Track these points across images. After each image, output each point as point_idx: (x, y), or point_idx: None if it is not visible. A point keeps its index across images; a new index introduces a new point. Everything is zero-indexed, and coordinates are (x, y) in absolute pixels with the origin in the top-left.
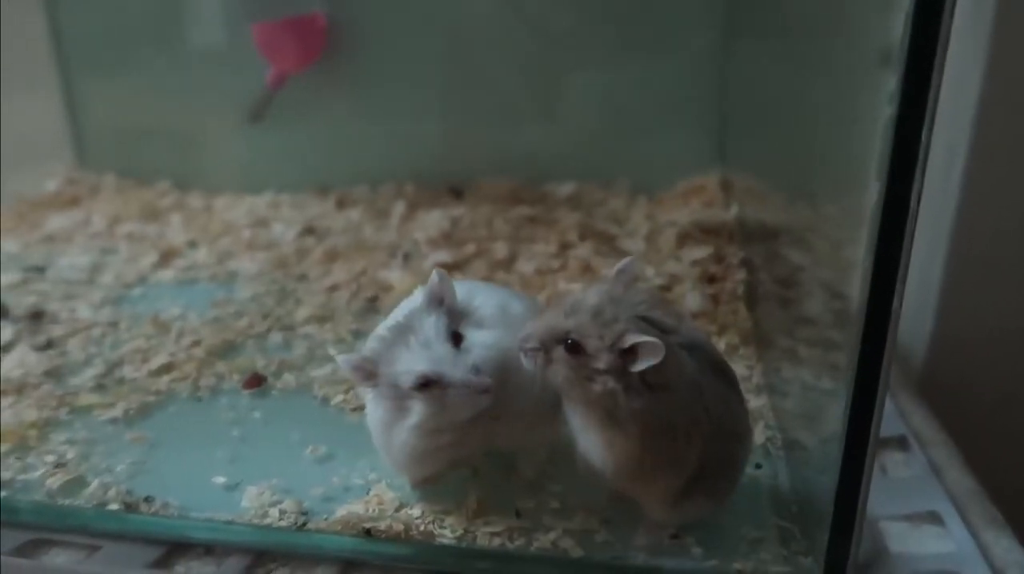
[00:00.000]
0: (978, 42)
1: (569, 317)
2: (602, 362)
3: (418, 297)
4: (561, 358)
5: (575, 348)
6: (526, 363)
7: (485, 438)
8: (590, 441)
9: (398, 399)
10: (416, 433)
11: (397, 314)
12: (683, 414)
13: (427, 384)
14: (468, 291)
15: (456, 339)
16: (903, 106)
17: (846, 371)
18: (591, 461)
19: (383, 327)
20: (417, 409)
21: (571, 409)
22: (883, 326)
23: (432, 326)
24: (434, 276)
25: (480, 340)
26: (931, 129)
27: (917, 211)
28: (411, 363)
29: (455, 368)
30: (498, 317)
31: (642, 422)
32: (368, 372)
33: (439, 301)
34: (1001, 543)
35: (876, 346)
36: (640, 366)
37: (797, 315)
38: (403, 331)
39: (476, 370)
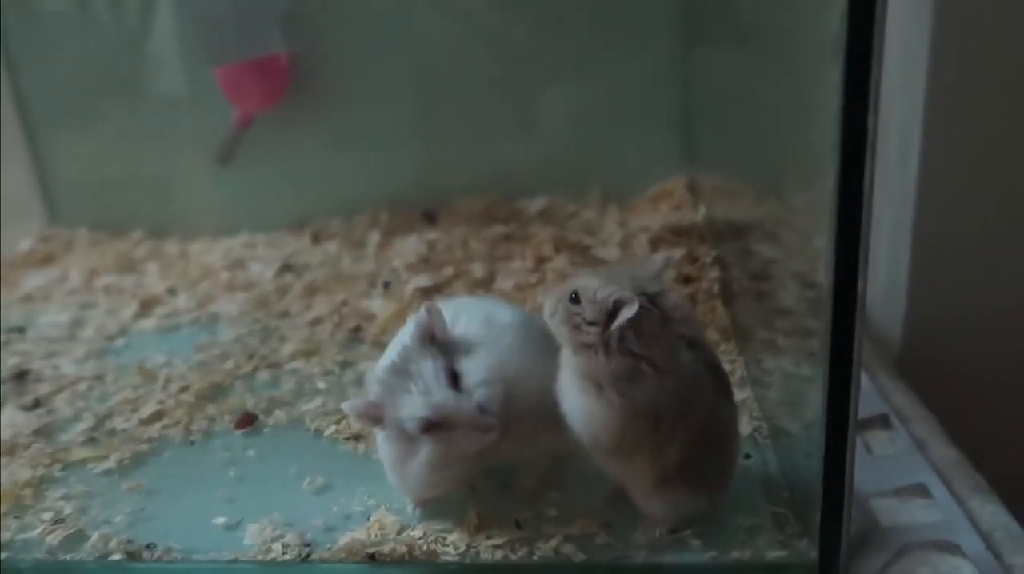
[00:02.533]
0: (922, 28)
1: (585, 278)
2: (589, 313)
3: (411, 327)
4: (563, 305)
5: (575, 298)
6: (546, 311)
7: (491, 457)
8: (574, 404)
9: (406, 440)
10: (427, 469)
11: (393, 348)
12: (669, 400)
13: (433, 427)
14: (452, 314)
15: (455, 380)
16: (847, 94)
17: (821, 354)
18: (573, 426)
19: (381, 367)
20: (425, 448)
21: (563, 369)
22: (851, 308)
23: (430, 370)
24: (422, 312)
25: (478, 370)
26: (876, 115)
27: (871, 194)
28: (414, 409)
29: (459, 410)
30: (486, 335)
31: (623, 394)
32: (375, 417)
33: (430, 338)
34: (987, 509)
35: (846, 328)
36: (618, 321)
37: (772, 307)
38: (400, 374)
39: (481, 409)
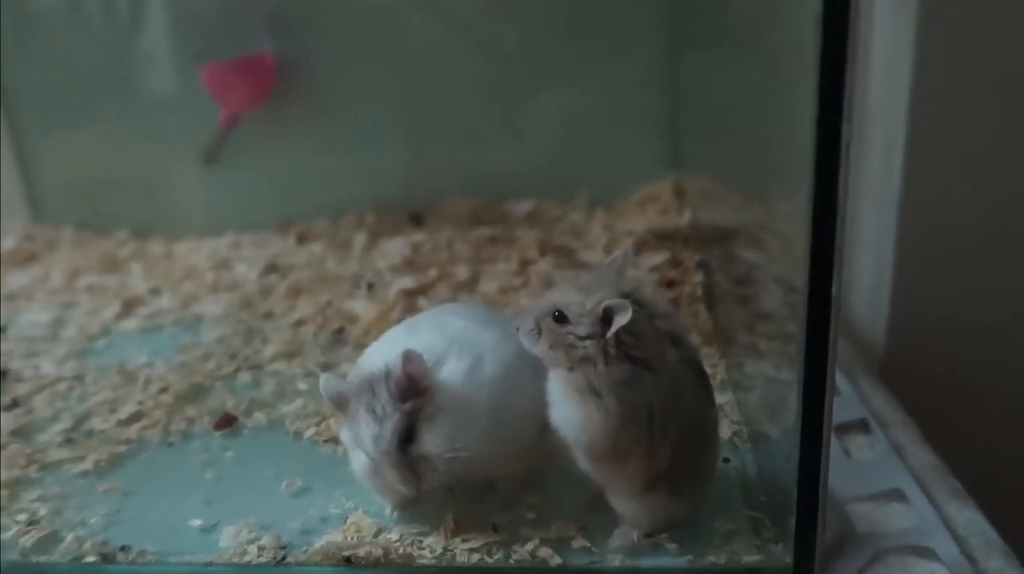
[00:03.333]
0: (906, 34)
1: (560, 294)
2: (583, 328)
3: (398, 336)
4: (548, 327)
5: (560, 317)
6: (526, 343)
7: (463, 477)
8: (568, 414)
9: None
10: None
11: (381, 349)
12: (663, 400)
13: None
14: (441, 350)
15: (408, 440)
16: (821, 99)
17: (796, 356)
18: (565, 435)
19: (366, 366)
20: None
21: (554, 381)
22: (825, 311)
23: (391, 426)
24: (398, 362)
25: (442, 440)
26: (851, 121)
27: (846, 198)
28: (361, 439)
29: (393, 468)
30: (466, 390)
31: (621, 399)
32: (339, 406)
33: (403, 395)
34: (963, 514)
35: (821, 330)
36: (614, 328)
37: (754, 311)
38: (369, 395)
39: (414, 469)
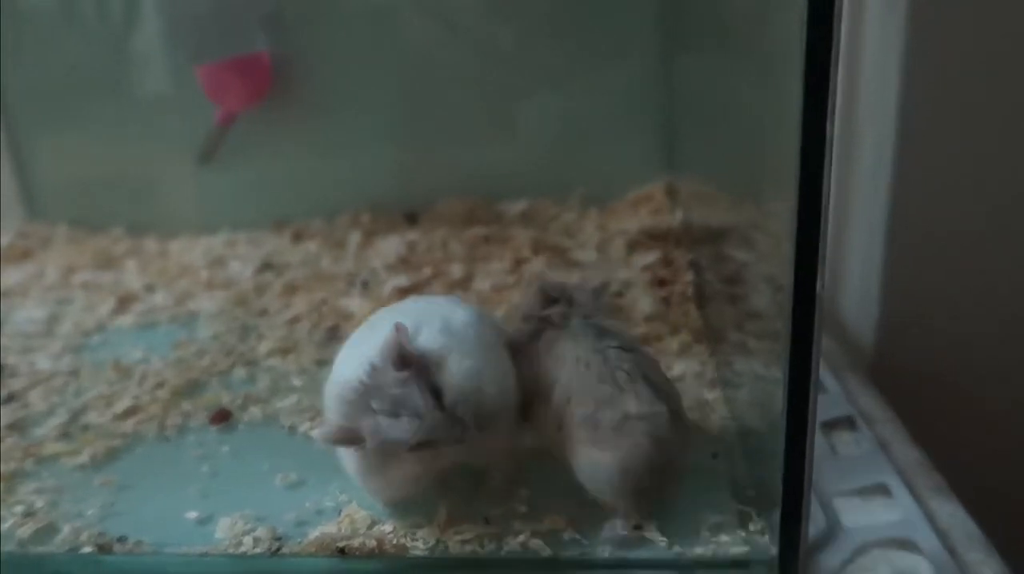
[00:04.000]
0: (896, 34)
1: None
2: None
3: (364, 338)
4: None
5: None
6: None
7: (463, 457)
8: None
9: (382, 453)
10: (410, 478)
11: (351, 360)
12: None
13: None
14: (413, 325)
15: (439, 400)
16: (806, 101)
17: (782, 353)
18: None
19: (345, 386)
20: (409, 461)
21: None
22: (810, 308)
23: (416, 394)
24: (391, 333)
25: (452, 383)
26: (832, 122)
27: (829, 197)
28: (404, 433)
29: (449, 431)
30: (448, 342)
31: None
32: (352, 440)
33: (404, 359)
34: (946, 508)
35: (805, 327)
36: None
37: (744, 310)
38: (375, 395)
39: (463, 423)
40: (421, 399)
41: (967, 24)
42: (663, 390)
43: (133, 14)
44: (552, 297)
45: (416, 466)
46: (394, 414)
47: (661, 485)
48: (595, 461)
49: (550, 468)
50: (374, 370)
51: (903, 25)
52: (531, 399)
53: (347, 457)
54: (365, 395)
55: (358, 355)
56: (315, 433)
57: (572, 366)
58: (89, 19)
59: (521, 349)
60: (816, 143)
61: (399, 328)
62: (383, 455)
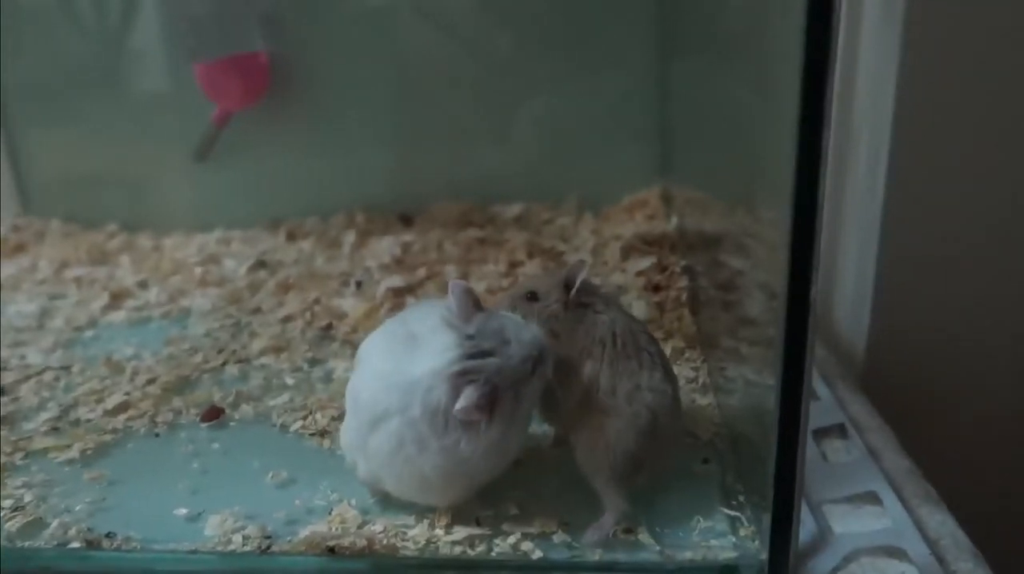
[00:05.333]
0: (892, 46)
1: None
2: (552, 297)
3: (409, 323)
4: (521, 305)
5: (532, 297)
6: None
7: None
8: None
9: (466, 426)
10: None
11: (423, 358)
12: (601, 333)
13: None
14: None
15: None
16: (803, 108)
17: (775, 360)
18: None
19: (446, 368)
20: (496, 424)
21: None
22: (803, 314)
23: (512, 320)
24: (457, 288)
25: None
26: (829, 128)
27: (823, 204)
28: (527, 347)
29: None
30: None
31: (574, 331)
32: (492, 402)
33: (475, 303)
34: (935, 517)
35: (798, 333)
36: (577, 282)
37: (737, 317)
38: (475, 350)
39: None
40: (517, 322)
41: (963, 33)
42: (672, 376)
43: (131, 11)
44: (570, 286)
45: (519, 433)
46: (509, 342)
47: (649, 463)
48: (598, 425)
49: (545, 467)
50: (462, 336)
51: (899, 33)
52: (551, 384)
53: (426, 455)
54: (468, 358)
55: (399, 348)
56: (458, 408)
57: (609, 343)
58: (87, 15)
59: (556, 330)
60: (812, 151)
61: (462, 283)
62: (465, 429)
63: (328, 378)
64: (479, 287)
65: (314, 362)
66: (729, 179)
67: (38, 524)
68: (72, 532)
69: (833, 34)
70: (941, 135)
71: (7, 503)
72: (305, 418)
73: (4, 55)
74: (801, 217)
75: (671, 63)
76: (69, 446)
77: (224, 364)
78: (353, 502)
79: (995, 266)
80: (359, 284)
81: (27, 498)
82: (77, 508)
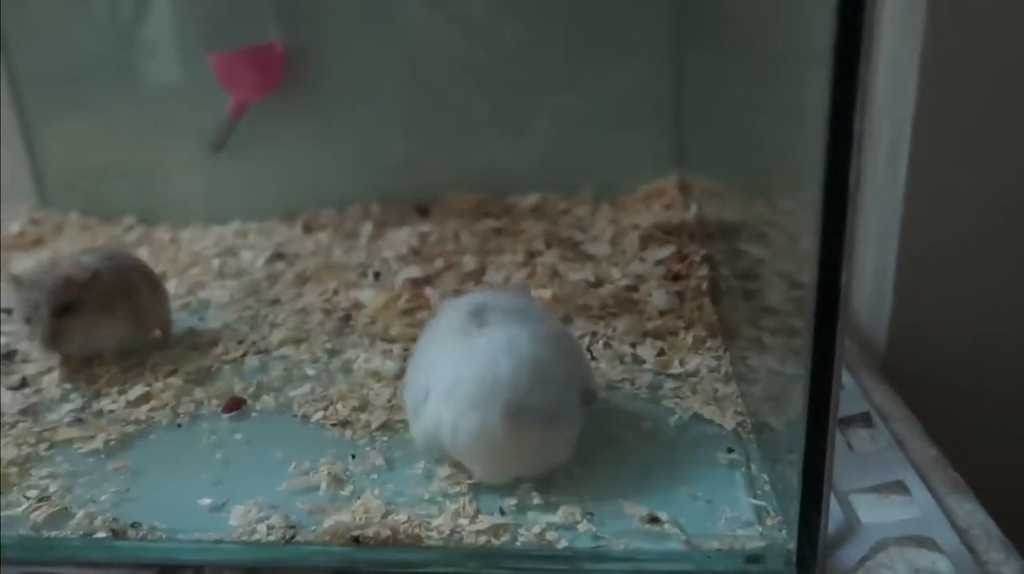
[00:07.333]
0: (913, 35)
1: None
2: None
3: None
4: None
5: None
6: None
7: None
8: None
9: None
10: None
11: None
12: None
13: None
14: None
15: None
16: (835, 95)
17: (804, 349)
18: None
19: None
20: None
21: None
22: (834, 301)
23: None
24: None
25: None
26: (863, 117)
27: (857, 191)
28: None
29: None
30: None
31: None
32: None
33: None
34: (964, 506)
35: (829, 321)
36: None
37: (759, 306)
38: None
39: None
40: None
41: (985, 27)
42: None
43: (147, 3)
44: None
45: None
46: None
47: None
48: None
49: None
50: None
51: (921, 25)
52: None
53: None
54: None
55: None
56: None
57: None
58: (103, 8)
59: None
60: (844, 139)
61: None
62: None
63: (347, 368)
64: (497, 278)
65: (333, 353)
66: (749, 168)
67: (64, 514)
68: (98, 522)
69: (868, 13)
70: (962, 125)
71: (32, 493)
72: (326, 408)
73: (21, 47)
74: (832, 204)
75: (687, 51)
76: (93, 437)
77: (244, 355)
78: (376, 492)
79: (1016, 254)
80: (377, 275)
81: (52, 488)
82: (102, 498)
